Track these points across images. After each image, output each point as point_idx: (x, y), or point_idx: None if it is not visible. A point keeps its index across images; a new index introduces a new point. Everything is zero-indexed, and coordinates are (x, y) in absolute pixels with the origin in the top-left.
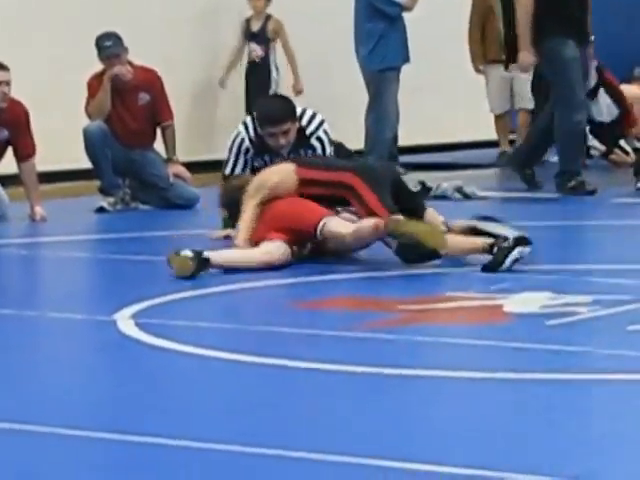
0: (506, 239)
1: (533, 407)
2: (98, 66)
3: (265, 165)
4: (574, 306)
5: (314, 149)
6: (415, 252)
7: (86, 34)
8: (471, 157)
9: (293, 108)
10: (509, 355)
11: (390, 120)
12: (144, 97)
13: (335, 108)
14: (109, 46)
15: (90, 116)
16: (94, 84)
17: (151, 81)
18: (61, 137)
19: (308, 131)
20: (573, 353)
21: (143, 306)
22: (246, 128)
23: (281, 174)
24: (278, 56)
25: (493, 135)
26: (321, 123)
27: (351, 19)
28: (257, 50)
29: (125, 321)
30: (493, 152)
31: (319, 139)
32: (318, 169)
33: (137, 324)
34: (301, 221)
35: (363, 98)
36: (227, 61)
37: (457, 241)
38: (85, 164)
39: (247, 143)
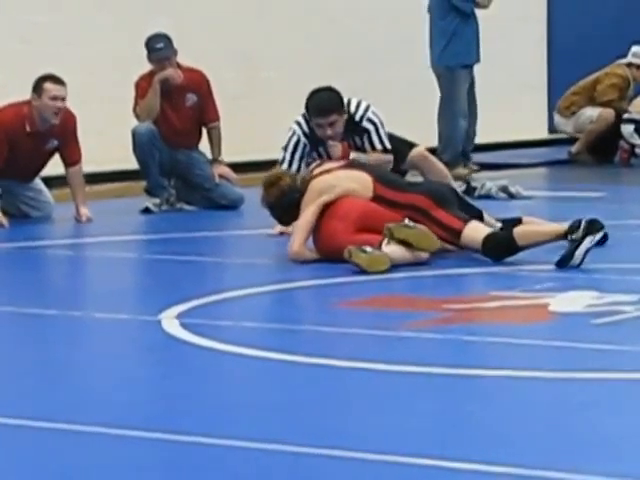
0: (578, 227)
1: (578, 406)
2: (146, 66)
3: (320, 157)
4: (620, 305)
5: (368, 132)
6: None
7: (134, 33)
8: (515, 156)
9: (341, 100)
10: (554, 354)
11: (463, 117)
12: (191, 98)
13: None
14: (160, 48)
15: (139, 117)
16: (143, 85)
17: (198, 82)
18: (107, 138)
19: (358, 116)
20: (619, 352)
21: (188, 306)
22: (299, 125)
23: (360, 184)
24: None
25: (536, 135)
26: (368, 106)
27: None
28: None
29: (170, 321)
30: (537, 152)
31: (370, 120)
32: (394, 189)
33: (182, 324)
34: (377, 218)
35: None
36: None
37: (530, 232)
38: (130, 165)
39: (303, 139)
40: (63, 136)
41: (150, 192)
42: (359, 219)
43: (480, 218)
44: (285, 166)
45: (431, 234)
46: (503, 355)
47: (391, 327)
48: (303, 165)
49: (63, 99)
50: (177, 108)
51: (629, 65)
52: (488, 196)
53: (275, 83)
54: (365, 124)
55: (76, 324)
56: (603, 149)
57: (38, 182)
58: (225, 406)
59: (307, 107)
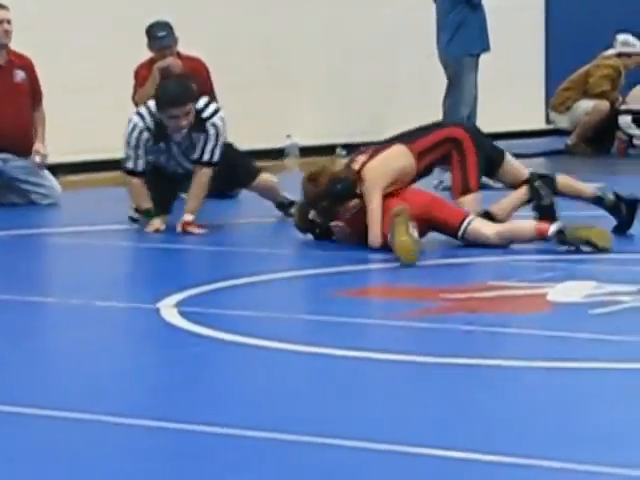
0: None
1: (576, 395)
2: (143, 53)
3: (160, 152)
4: (618, 295)
5: (207, 135)
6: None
7: (135, 20)
8: (513, 147)
9: (193, 88)
10: (552, 344)
11: (465, 107)
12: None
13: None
14: (162, 37)
15: (138, 105)
16: (142, 73)
17: (198, 70)
18: (109, 126)
19: (204, 115)
20: (616, 342)
21: (186, 294)
22: (142, 118)
23: (402, 157)
24: None
25: (533, 125)
26: (217, 110)
27: None
28: None
29: (168, 309)
30: (535, 142)
31: (214, 125)
32: (426, 135)
33: (180, 312)
34: (448, 215)
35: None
36: None
37: (570, 183)
38: None
39: (146, 134)
40: (27, 72)
41: None
42: (423, 206)
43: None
44: (131, 164)
45: (608, 233)
46: (501, 344)
47: (389, 316)
48: (146, 161)
49: (8, 21)
50: None
51: (619, 55)
52: (485, 186)
53: (279, 72)
54: (208, 126)
55: (76, 312)
56: (599, 140)
57: (44, 171)
58: (224, 394)
59: (161, 99)
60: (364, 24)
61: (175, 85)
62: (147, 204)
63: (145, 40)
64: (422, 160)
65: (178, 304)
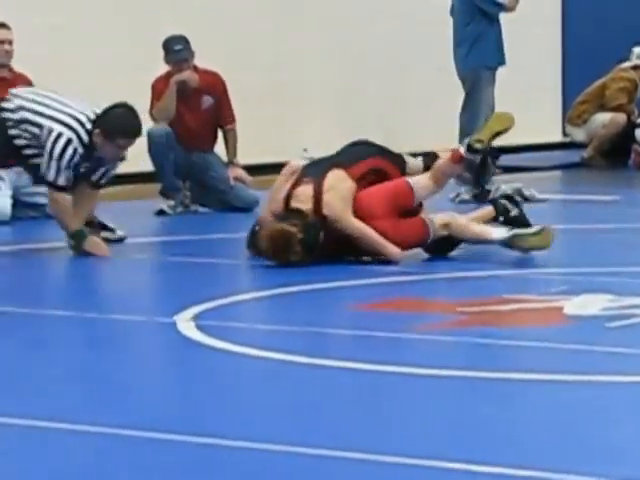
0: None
1: (593, 409)
2: (161, 68)
3: (87, 171)
4: (634, 308)
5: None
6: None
7: (149, 35)
8: (530, 159)
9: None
10: (569, 357)
11: (482, 120)
12: (208, 100)
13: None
14: (179, 50)
15: (155, 119)
16: (159, 87)
17: (215, 84)
18: None
19: None
20: (633, 355)
21: (203, 308)
22: (78, 135)
23: (347, 180)
24: None
25: (550, 138)
26: None
27: None
28: None
29: (185, 323)
30: (551, 155)
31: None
32: (357, 164)
33: (197, 326)
34: (401, 193)
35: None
36: None
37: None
38: (145, 167)
39: (81, 150)
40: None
41: (165, 194)
42: (389, 205)
43: (404, 162)
44: (62, 181)
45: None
46: (518, 358)
47: (405, 330)
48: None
49: (10, 42)
50: (193, 110)
51: (635, 67)
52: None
53: (292, 86)
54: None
55: (92, 326)
56: (616, 153)
57: None
58: (241, 408)
59: (114, 127)
60: (375, 38)
61: (130, 115)
62: (77, 225)
63: (157, 54)
64: (359, 184)
65: (195, 317)
